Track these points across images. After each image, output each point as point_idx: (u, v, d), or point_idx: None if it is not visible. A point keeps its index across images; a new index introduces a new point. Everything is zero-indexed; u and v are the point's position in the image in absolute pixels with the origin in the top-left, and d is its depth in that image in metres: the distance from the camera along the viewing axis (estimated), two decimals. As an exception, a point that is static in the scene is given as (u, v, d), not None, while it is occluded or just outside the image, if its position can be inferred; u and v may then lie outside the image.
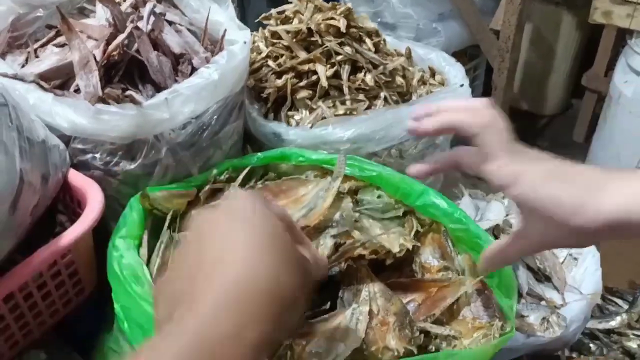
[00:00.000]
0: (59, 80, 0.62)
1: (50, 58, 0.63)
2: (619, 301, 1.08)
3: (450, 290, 0.57)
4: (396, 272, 0.60)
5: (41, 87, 0.57)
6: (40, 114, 0.55)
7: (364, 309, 0.52)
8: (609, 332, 1.05)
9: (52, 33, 0.70)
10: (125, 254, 0.48)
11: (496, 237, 0.76)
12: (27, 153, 0.46)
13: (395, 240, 0.58)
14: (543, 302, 0.74)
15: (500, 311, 0.55)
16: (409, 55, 0.92)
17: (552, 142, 2.19)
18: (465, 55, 2.34)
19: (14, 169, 0.43)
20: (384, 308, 0.53)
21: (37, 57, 0.67)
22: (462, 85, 0.83)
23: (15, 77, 0.56)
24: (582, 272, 0.78)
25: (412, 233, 0.61)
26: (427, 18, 2.50)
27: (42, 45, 0.69)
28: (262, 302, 0.32)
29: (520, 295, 0.75)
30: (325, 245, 0.55)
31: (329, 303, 0.54)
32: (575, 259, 0.80)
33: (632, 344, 1.02)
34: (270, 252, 0.34)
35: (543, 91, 2.20)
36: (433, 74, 0.90)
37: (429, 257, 0.62)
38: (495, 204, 0.83)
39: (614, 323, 1.05)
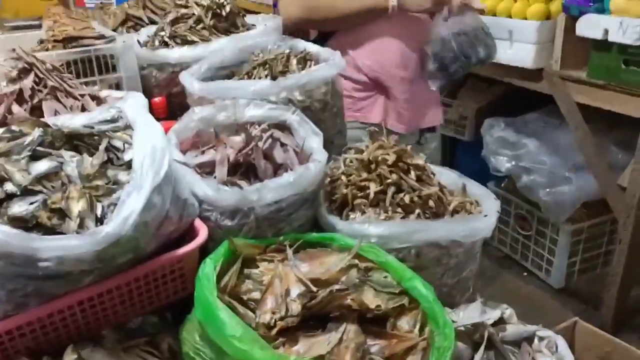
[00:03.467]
0: (208, 168, 1.05)
1: (206, 155, 1.08)
2: None
3: (405, 343, 0.83)
4: (377, 325, 0.87)
5: (195, 171, 1.00)
6: (190, 185, 0.97)
7: (337, 336, 0.81)
8: None
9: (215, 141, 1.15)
10: (207, 266, 0.84)
11: (482, 335, 0.97)
12: (174, 202, 0.87)
13: (374, 301, 0.86)
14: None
15: (428, 363, 0.79)
16: (463, 189, 1.21)
17: None
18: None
19: (164, 208, 0.84)
20: (351, 339, 0.81)
21: (202, 153, 1.12)
22: (485, 216, 1.09)
23: (183, 163, 1.00)
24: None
25: (397, 304, 0.89)
26: (561, 167, 2.67)
27: (208, 148, 1.14)
28: None
29: (494, 383, 0.94)
30: (325, 291, 0.85)
31: (320, 330, 0.84)
32: (554, 368, 0.97)
33: None
34: None
35: None
36: (477, 204, 1.17)
37: (404, 323, 0.88)
38: (496, 312, 1.04)
39: None
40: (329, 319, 0.86)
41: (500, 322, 1.02)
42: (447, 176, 1.24)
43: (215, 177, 1.01)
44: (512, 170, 2.73)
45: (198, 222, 0.93)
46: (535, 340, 1.02)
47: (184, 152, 1.10)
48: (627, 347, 1.37)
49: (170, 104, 1.44)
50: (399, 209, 1.08)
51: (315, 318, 0.86)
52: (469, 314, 1.03)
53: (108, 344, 0.81)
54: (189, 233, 0.93)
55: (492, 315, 1.02)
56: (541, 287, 2.80)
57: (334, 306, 0.85)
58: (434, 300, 0.87)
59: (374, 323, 0.87)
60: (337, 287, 0.87)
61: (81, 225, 0.77)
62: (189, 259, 0.88)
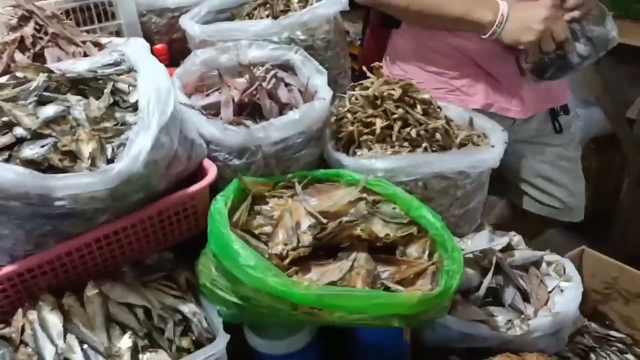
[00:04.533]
0: (213, 110, 1.06)
1: (211, 97, 1.08)
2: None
3: (414, 268, 0.85)
4: (388, 253, 0.90)
5: (201, 112, 1.01)
6: (197, 126, 0.97)
7: (348, 263, 0.83)
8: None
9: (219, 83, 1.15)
10: (219, 202, 0.86)
11: (490, 261, 0.99)
12: (182, 142, 0.88)
13: (383, 231, 0.88)
14: (522, 315, 0.95)
15: (437, 285, 0.81)
16: (470, 123, 1.21)
17: None
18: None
19: (172, 148, 0.85)
20: (362, 266, 0.83)
21: (207, 96, 1.12)
22: (493, 146, 1.10)
23: (189, 105, 1.01)
24: (563, 300, 0.97)
25: (404, 233, 0.91)
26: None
27: (212, 91, 1.14)
28: None
29: (503, 306, 0.97)
30: (334, 223, 0.87)
31: (331, 259, 0.86)
32: (562, 290, 0.99)
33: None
34: None
35: None
36: (484, 137, 1.18)
37: (413, 250, 0.90)
38: (504, 238, 1.06)
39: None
40: (340, 249, 0.88)
41: (508, 248, 1.04)
42: (453, 111, 1.23)
43: (221, 118, 1.02)
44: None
45: (207, 162, 0.94)
46: (543, 264, 1.04)
47: (188, 95, 1.10)
48: (634, 271, 1.40)
49: (171, 50, 1.44)
50: (406, 144, 1.08)
51: (325, 249, 0.88)
52: (477, 242, 1.04)
53: (127, 279, 0.84)
54: (199, 173, 0.94)
55: (500, 241, 1.04)
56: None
57: (344, 237, 0.87)
58: (442, 227, 0.89)
59: (383, 252, 0.89)
60: (346, 218, 0.88)
61: (93, 165, 0.79)
62: (200, 197, 0.90)
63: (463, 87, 1.39)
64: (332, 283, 0.80)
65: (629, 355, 1.27)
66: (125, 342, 0.75)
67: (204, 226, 0.89)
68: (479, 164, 1.06)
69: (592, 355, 1.21)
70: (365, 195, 0.94)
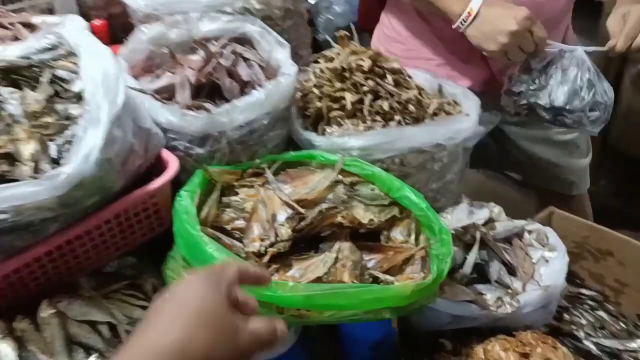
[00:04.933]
0: (167, 94, 0.95)
1: (163, 79, 0.97)
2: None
3: (402, 254, 0.80)
4: (371, 240, 0.84)
5: (154, 97, 0.91)
6: (151, 113, 0.87)
7: (332, 255, 0.77)
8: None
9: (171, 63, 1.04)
10: (184, 199, 0.78)
11: (472, 236, 0.95)
12: (137, 134, 0.78)
13: (367, 216, 0.82)
14: (509, 290, 0.92)
15: (429, 271, 0.76)
16: (440, 90, 1.16)
17: None
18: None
19: (127, 141, 0.75)
20: (347, 257, 0.77)
21: (158, 77, 1.02)
22: (467, 115, 1.05)
23: (139, 90, 0.90)
24: (549, 271, 0.94)
25: (387, 216, 0.85)
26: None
27: (163, 71, 1.03)
28: None
29: (489, 282, 0.94)
30: (313, 212, 0.80)
31: (312, 251, 0.80)
32: (547, 260, 0.97)
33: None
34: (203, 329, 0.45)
35: None
36: (455, 104, 1.12)
37: (397, 234, 0.85)
38: (484, 211, 1.02)
39: (634, 345, 1.18)
40: (320, 239, 0.82)
41: (489, 220, 1.01)
42: (421, 78, 1.17)
43: (177, 103, 0.92)
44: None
45: (166, 154, 0.85)
46: (525, 234, 1.02)
47: (135, 78, 0.99)
48: (604, 229, 1.40)
49: (111, 27, 1.30)
50: (378, 117, 1.01)
51: (305, 240, 0.82)
52: (457, 217, 1.00)
53: (85, 292, 0.75)
54: (158, 166, 0.85)
55: (481, 215, 1.01)
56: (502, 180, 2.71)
57: (325, 226, 0.81)
58: (427, 207, 0.84)
59: (366, 238, 0.84)
60: (325, 205, 0.82)
61: (36, 170, 0.68)
62: (161, 194, 0.81)
63: (458, 60, 1.28)
64: (318, 279, 0.74)
65: (600, 312, 1.27)
66: (90, 366, 0.67)
67: (168, 224, 0.81)
68: (456, 134, 1.01)
69: (566, 315, 1.21)
70: (341, 177, 0.88)
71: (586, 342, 1.01)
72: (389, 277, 0.76)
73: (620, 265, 1.38)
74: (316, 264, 0.76)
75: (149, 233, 0.83)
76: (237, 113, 0.88)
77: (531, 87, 1.15)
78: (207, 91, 0.96)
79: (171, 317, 0.46)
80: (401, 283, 0.74)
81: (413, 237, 0.83)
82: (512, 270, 0.95)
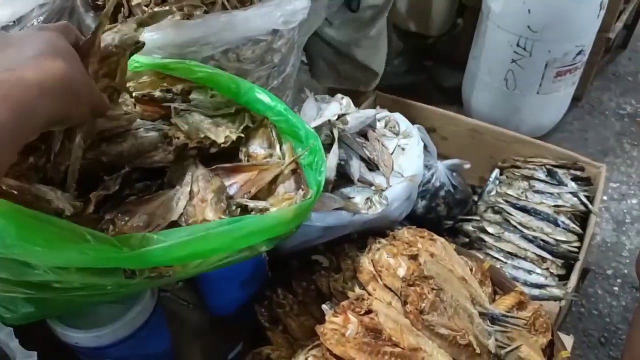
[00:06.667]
0: None
1: None
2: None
3: (268, 172, 0.64)
4: (225, 161, 0.66)
5: None
6: None
7: (185, 189, 0.58)
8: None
9: None
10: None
11: (331, 132, 0.84)
12: None
13: (221, 133, 0.64)
14: (373, 188, 0.85)
15: (306, 185, 0.63)
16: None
17: (437, 61, 2.27)
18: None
19: None
20: (204, 188, 0.59)
21: None
22: (299, -7, 0.88)
23: None
24: (408, 159, 0.88)
25: (241, 127, 0.68)
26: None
27: None
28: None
29: (352, 182, 0.84)
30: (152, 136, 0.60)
31: (154, 188, 0.60)
32: (403, 149, 0.91)
33: (469, 227, 1.18)
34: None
35: (429, 11, 2.12)
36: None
37: (256, 147, 0.68)
38: (334, 105, 0.91)
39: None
40: (157, 171, 0.62)
41: (340, 115, 0.90)
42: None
43: None
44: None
45: None
46: (377, 123, 0.93)
47: None
48: (427, 107, 1.42)
49: None
50: (197, 1, 0.79)
51: (138, 175, 0.61)
52: (307, 115, 0.87)
53: None
54: None
55: (332, 110, 0.89)
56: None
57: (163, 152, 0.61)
58: (286, 109, 0.68)
59: (217, 159, 0.66)
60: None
61: None
62: None
63: None
64: (173, 224, 0.55)
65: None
66: None
67: None
68: (292, 17, 0.84)
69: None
70: (166, 85, 0.67)
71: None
72: (261, 203, 0.61)
73: (443, 140, 1.43)
74: (166, 205, 0.57)
75: None
76: None
77: None
78: None
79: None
80: (280, 208, 0.59)
81: (278, 148, 0.67)
82: (371, 166, 0.87)
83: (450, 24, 2.16)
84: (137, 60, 0.69)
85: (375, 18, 1.34)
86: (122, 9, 0.78)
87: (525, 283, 1.05)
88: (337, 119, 0.87)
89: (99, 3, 0.78)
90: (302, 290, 0.73)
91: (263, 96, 0.68)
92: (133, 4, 0.77)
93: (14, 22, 0.62)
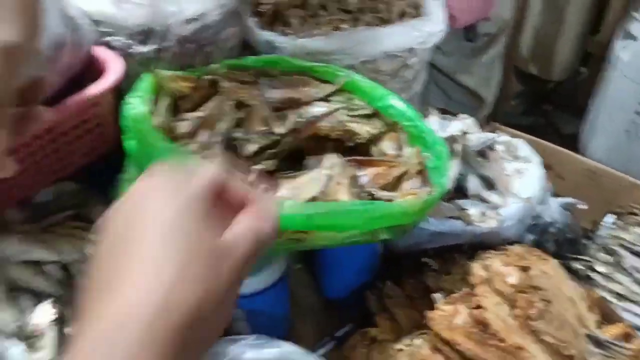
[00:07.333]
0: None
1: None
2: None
3: (396, 168, 0.71)
4: (356, 155, 0.74)
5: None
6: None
7: (325, 172, 0.66)
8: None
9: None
10: (136, 105, 0.61)
11: (451, 148, 0.88)
12: (68, 24, 0.60)
13: (363, 127, 0.71)
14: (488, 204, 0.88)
15: (431, 185, 0.68)
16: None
17: (556, 106, 2.24)
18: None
19: (57, 33, 0.57)
20: (340, 174, 0.66)
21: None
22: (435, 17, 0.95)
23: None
24: (525, 182, 0.91)
25: (377, 128, 0.75)
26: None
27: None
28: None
29: (467, 197, 0.88)
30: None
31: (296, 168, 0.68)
32: (521, 172, 0.93)
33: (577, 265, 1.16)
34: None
35: (552, 56, 2.11)
36: (417, 8, 1.02)
37: (387, 147, 0.75)
38: (458, 122, 0.96)
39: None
40: (300, 156, 0.70)
41: (463, 133, 0.94)
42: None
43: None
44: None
45: (104, 53, 0.67)
46: (496, 146, 0.97)
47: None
48: (544, 143, 1.41)
49: None
50: (344, 17, 0.89)
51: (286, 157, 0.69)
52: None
53: (17, 227, 0.58)
54: (91, 70, 0.66)
55: (455, 127, 0.94)
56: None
57: (308, 139, 0.69)
58: (416, 116, 0.74)
59: (352, 153, 0.73)
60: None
61: None
62: (104, 101, 0.64)
63: None
64: (313, 199, 0.63)
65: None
66: (42, 315, 0.52)
67: (112, 143, 0.64)
68: (428, 38, 0.91)
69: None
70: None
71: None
72: (388, 194, 0.67)
73: (558, 179, 1.41)
74: (308, 182, 0.65)
75: (89, 153, 0.66)
76: (185, 2, 0.71)
77: None
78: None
79: (131, 262, 0.29)
80: (408, 199, 0.65)
81: (406, 150, 0.74)
82: (488, 184, 0.90)
83: (573, 70, 2.13)
84: (292, 62, 0.78)
85: (488, 46, 1.37)
86: (279, 18, 0.89)
87: (635, 327, 1.01)
88: (460, 135, 0.91)
89: (261, 10, 0.89)
90: (411, 285, 0.77)
91: (397, 103, 0.75)
92: (291, 14, 0.87)
93: (196, 17, 0.73)
